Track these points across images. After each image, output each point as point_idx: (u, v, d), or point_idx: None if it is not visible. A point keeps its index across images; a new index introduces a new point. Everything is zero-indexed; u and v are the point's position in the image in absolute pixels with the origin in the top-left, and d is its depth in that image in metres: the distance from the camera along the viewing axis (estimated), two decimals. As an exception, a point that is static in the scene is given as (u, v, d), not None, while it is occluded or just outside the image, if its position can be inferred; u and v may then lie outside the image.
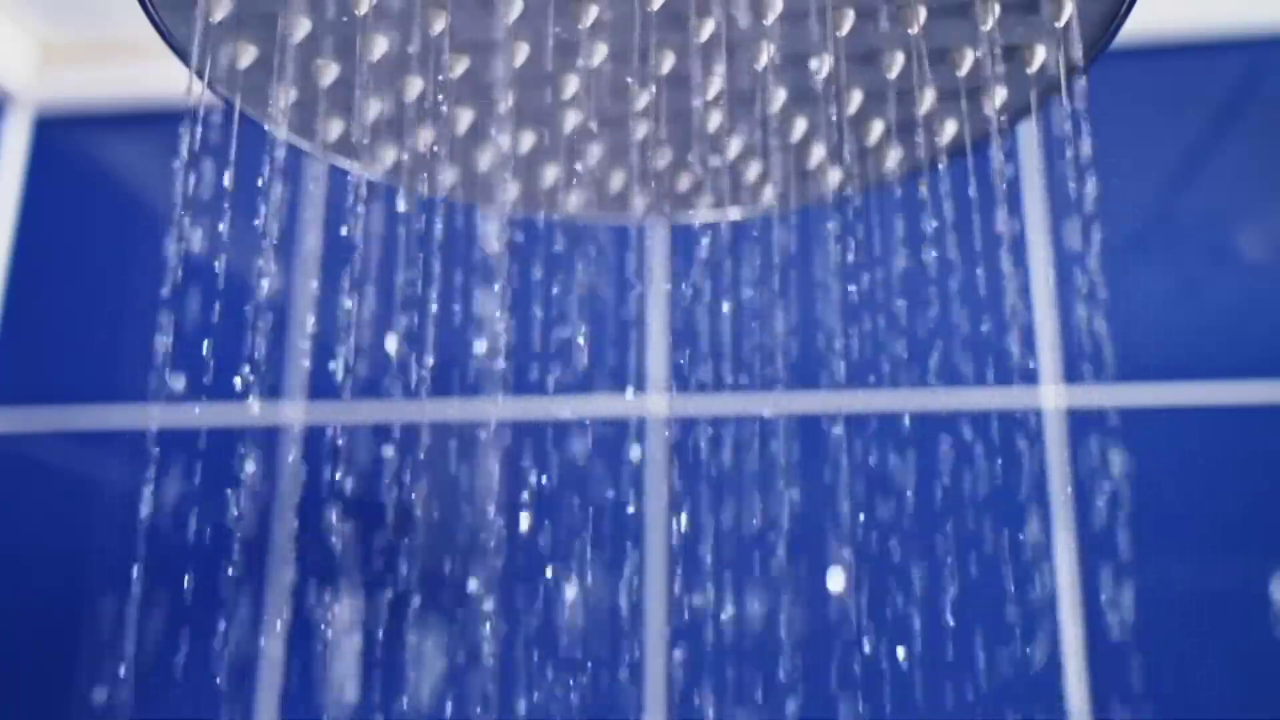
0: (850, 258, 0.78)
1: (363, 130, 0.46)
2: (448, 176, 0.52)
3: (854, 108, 0.47)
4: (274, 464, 0.89)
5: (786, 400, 0.85)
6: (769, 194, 0.53)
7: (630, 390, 0.87)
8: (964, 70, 0.43)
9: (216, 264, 0.62)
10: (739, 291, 0.84)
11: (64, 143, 1.03)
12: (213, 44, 0.41)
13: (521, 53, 0.43)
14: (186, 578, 0.82)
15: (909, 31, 0.41)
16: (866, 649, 0.79)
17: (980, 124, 0.47)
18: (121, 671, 0.82)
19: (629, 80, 0.45)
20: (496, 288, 0.83)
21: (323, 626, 0.84)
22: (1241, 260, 0.87)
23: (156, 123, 0.98)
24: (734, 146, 0.50)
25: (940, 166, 0.49)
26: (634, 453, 0.86)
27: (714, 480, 0.84)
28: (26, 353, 0.97)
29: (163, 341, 0.75)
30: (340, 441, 0.87)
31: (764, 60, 0.43)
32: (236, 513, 0.84)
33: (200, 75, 0.42)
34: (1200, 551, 0.80)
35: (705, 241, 0.84)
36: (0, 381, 0.97)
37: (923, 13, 0.40)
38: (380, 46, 0.42)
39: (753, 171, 0.52)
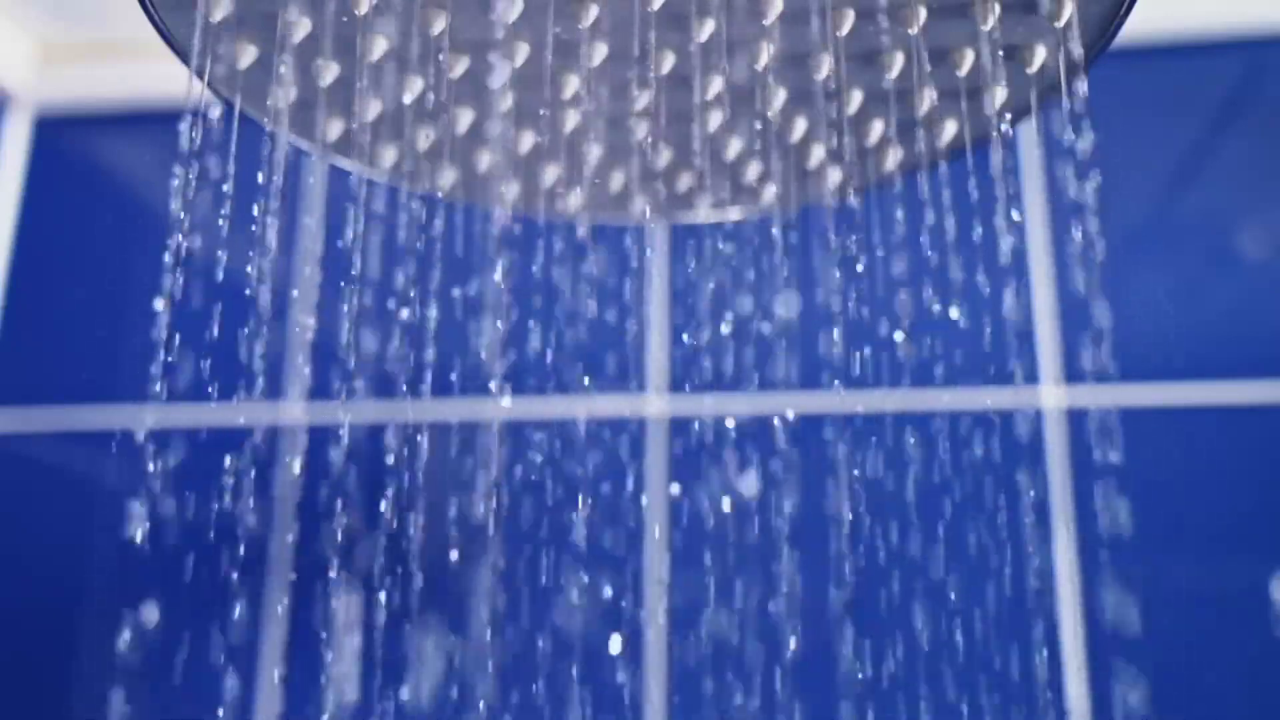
0: (850, 258, 0.78)
1: (363, 130, 0.47)
2: (448, 176, 0.52)
3: (854, 108, 0.47)
4: (274, 464, 0.89)
5: (786, 400, 0.85)
6: (769, 194, 0.53)
7: (630, 390, 0.87)
8: (964, 70, 0.43)
9: (216, 264, 0.62)
10: (739, 292, 0.84)
11: (64, 143, 1.03)
12: (213, 44, 0.41)
13: (521, 53, 0.43)
14: (186, 578, 0.82)
15: (909, 31, 0.41)
16: (866, 649, 0.79)
17: (980, 124, 0.47)
18: (120, 672, 0.82)
19: (629, 80, 0.45)
20: (496, 288, 0.83)
21: (323, 627, 0.84)
22: (1241, 260, 0.87)
23: (156, 123, 0.97)
24: (734, 146, 0.50)
25: (940, 166, 0.49)
26: (634, 452, 0.86)
27: (713, 481, 0.84)
28: (26, 353, 0.97)
29: (162, 341, 0.75)
30: (340, 441, 0.87)
31: (764, 60, 0.43)
32: (236, 513, 0.84)
33: (200, 75, 0.42)
34: (1200, 551, 0.80)
35: (705, 241, 0.84)
36: (0, 381, 0.97)
37: (923, 13, 0.40)
38: (380, 46, 0.42)
39: (753, 171, 0.52)
